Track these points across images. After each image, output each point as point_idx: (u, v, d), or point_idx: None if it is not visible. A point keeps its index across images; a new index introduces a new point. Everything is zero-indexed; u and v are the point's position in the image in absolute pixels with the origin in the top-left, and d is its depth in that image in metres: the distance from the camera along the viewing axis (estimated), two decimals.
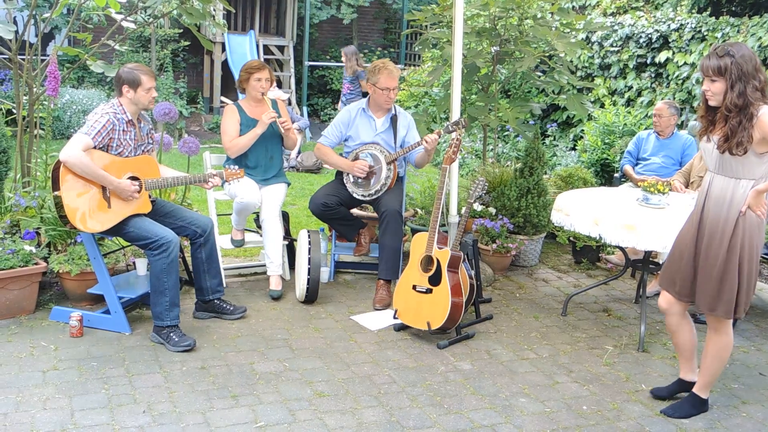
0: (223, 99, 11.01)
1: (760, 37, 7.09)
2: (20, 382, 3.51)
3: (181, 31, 11.79)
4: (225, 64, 12.57)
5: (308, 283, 4.58)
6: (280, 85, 12.60)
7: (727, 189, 3.23)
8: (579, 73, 9.36)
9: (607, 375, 3.92)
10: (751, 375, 4.00)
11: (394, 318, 4.34)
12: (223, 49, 12.52)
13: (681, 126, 7.30)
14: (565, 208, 4.42)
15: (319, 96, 14.06)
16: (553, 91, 8.68)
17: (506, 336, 4.39)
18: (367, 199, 4.92)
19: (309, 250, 4.60)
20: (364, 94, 10.52)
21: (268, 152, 4.96)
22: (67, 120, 10.35)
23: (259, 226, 5.00)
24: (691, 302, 3.42)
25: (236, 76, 9.76)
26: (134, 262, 4.69)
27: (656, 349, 4.26)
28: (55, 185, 3.87)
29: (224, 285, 4.63)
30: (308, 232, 4.75)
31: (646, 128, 7.39)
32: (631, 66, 8.70)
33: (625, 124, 8.03)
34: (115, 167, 3.97)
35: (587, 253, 5.84)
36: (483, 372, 3.88)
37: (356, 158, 4.94)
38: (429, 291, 4.20)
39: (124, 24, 5.18)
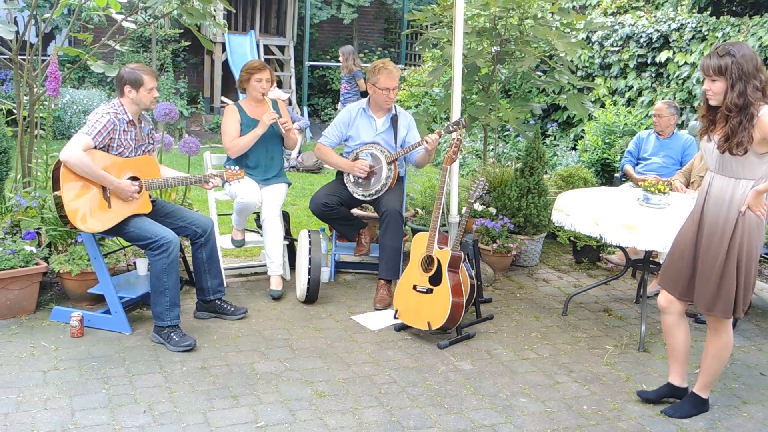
0: (224, 99, 11.00)
1: (761, 37, 7.09)
2: (21, 382, 3.52)
3: (182, 31, 11.79)
4: (225, 64, 12.58)
5: (309, 283, 4.59)
6: (280, 85, 12.60)
7: (727, 189, 3.23)
8: (579, 73, 9.36)
9: (608, 375, 3.92)
10: (751, 375, 4.00)
11: (395, 318, 4.34)
12: (224, 49, 12.53)
13: (681, 126, 7.30)
14: (566, 208, 4.42)
15: (319, 96, 14.07)
16: (553, 91, 8.68)
17: (507, 336, 4.39)
18: (368, 199, 4.92)
19: (309, 250, 4.60)
20: (363, 94, 10.56)
21: (269, 152, 4.96)
22: (68, 120, 10.35)
23: (260, 226, 5.00)
24: (691, 302, 3.42)
25: (237, 76, 9.78)
26: (135, 262, 4.70)
27: (657, 349, 4.26)
28: (56, 185, 3.87)
29: (225, 285, 4.63)
30: (309, 232, 4.75)
31: (646, 128, 7.39)
32: (631, 66, 8.69)
33: (626, 123, 8.03)
34: (115, 167, 3.97)
35: (588, 252, 5.84)
36: (483, 372, 3.88)
37: (356, 158, 4.94)
38: (429, 291, 4.20)
39: (125, 24, 5.19)
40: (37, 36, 5.28)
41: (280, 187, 4.97)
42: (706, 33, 7.84)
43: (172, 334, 3.96)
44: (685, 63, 7.92)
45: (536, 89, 9.47)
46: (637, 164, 5.99)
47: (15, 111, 4.98)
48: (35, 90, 4.89)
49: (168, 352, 3.90)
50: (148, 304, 4.18)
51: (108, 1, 4.65)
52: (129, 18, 5.23)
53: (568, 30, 6.26)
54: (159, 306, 3.97)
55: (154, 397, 3.44)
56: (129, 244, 4.45)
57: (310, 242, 4.63)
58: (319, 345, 4.12)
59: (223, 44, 12.49)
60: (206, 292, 4.36)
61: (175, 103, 11.42)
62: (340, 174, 5.07)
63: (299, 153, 9.59)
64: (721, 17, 8.08)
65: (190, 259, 4.58)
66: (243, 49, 12.61)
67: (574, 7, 10.17)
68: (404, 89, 11.38)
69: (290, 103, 12.39)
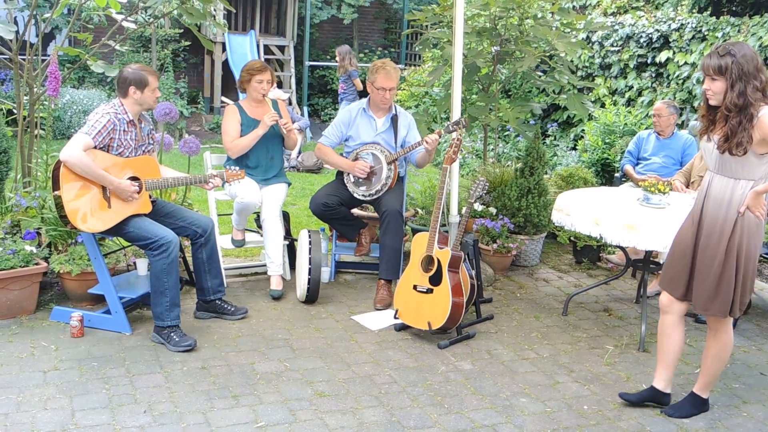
0: (224, 99, 11.01)
1: (761, 37, 7.09)
2: (21, 382, 3.52)
3: (182, 31, 11.79)
4: (225, 64, 12.58)
5: (309, 283, 4.59)
6: (280, 85, 12.60)
7: (726, 189, 3.23)
8: (579, 73, 9.36)
9: (608, 375, 3.92)
10: (751, 375, 4.00)
11: (395, 318, 4.34)
12: (224, 49, 12.53)
13: (681, 126, 7.30)
14: (566, 208, 4.42)
15: (319, 96, 14.07)
16: (553, 91, 8.68)
17: (507, 336, 4.39)
18: (368, 199, 4.92)
19: (310, 250, 4.60)
20: (362, 93, 10.58)
21: (269, 152, 4.96)
22: (68, 120, 10.36)
23: (260, 226, 5.00)
24: (691, 302, 3.41)
25: (237, 76, 9.77)
26: (135, 262, 4.70)
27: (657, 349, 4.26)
28: (56, 185, 3.87)
29: (225, 285, 4.63)
30: (309, 232, 4.75)
31: (646, 128, 7.39)
32: (631, 66, 8.69)
33: (626, 123, 8.03)
34: (115, 167, 3.97)
35: (588, 252, 5.84)
36: (484, 372, 3.88)
37: (357, 158, 4.94)
38: (430, 291, 4.20)
39: (125, 24, 5.18)
40: (37, 36, 5.28)
41: (280, 187, 4.97)
42: (706, 33, 7.84)
43: (172, 334, 3.96)
44: (685, 63, 7.92)
45: (536, 89, 9.47)
46: (637, 164, 5.98)
47: (15, 111, 4.98)
48: (35, 90, 4.89)
49: (168, 352, 3.90)
50: (149, 304, 4.18)
51: (108, 1, 4.65)
52: (129, 18, 5.23)
53: (568, 30, 6.26)
54: (159, 306, 3.97)
55: (155, 397, 3.44)
56: (129, 244, 4.45)
57: (310, 242, 4.63)
58: (319, 345, 4.12)
59: (224, 44, 12.49)
60: (206, 292, 4.36)
61: (175, 103, 11.42)
62: (340, 174, 5.07)
63: (299, 153, 9.60)
64: (721, 17, 8.08)
65: (190, 259, 4.57)
66: (243, 49, 12.61)
67: (574, 7, 10.17)
68: (404, 89, 11.38)
69: (290, 103, 12.39)
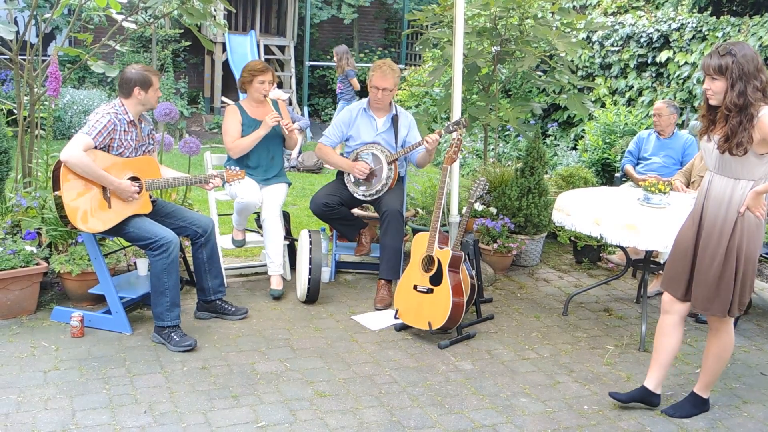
0: (224, 99, 11.00)
1: (761, 37, 7.08)
2: (21, 382, 3.52)
3: (182, 31, 11.79)
4: (226, 65, 12.58)
5: (309, 283, 4.59)
6: (281, 86, 12.61)
7: (726, 189, 3.23)
8: (580, 73, 9.36)
9: (609, 375, 3.92)
10: (752, 375, 3.99)
11: (395, 318, 4.34)
12: (224, 50, 12.53)
13: (682, 126, 7.30)
14: (566, 208, 4.42)
15: (319, 96, 14.07)
16: (553, 91, 8.68)
17: (507, 336, 4.39)
18: (368, 199, 4.92)
19: (310, 250, 4.60)
20: (361, 94, 10.61)
21: (270, 152, 4.96)
22: (68, 120, 10.36)
23: (260, 226, 5.00)
24: (691, 302, 3.41)
25: (237, 77, 9.77)
26: (135, 263, 4.70)
27: None
28: (56, 185, 3.87)
29: (225, 285, 4.63)
30: (309, 232, 4.75)
31: (647, 128, 7.39)
32: (631, 65, 8.69)
33: (626, 123, 8.03)
34: (115, 168, 3.97)
35: (588, 252, 5.84)
36: (484, 372, 3.88)
37: (357, 158, 4.94)
38: (430, 291, 4.20)
39: (125, 24, 5.19)
40: (37, 36, 5.28)
41: (281, 187, 4.97)
42: (706, 33, 7.84)
43: (172, 334, 3.96)
44: (686, 63, 7.92)
45: (536, 89, 9.47)
46: (638, 164, 5.98)
47: (15, 111, 4.98)
48: (35, 90, 4.89)
49: (168, 352, 3.90)
50: (149, 304, 4.18)
51: (108, 1, 4.65)
52: (129, 18, 5.23)
53: (569, 30, 6.26)
54: (159, 306, 3.97)
55: (155, 397, 3.44)
56: (129, 244, 4.45)
57: (310, 242, 4.63)
58: (319, 345, 4.12)
59: (224, 44, 12.49)
60: (207, 293, 4.36)
61: (175, 103, 11.42)
62: (340, 174, 5.07)
63: (299, 153, 9.61)
64: (722, 17, 8.08)
65: (190, 259, 4.57)
66: (243, 49, 12.61)
67: (574, 6, 10.17)
68: (404, 89, 11.39)
69: (290, 103, 12.40)
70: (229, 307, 4.43)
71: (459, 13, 4.90)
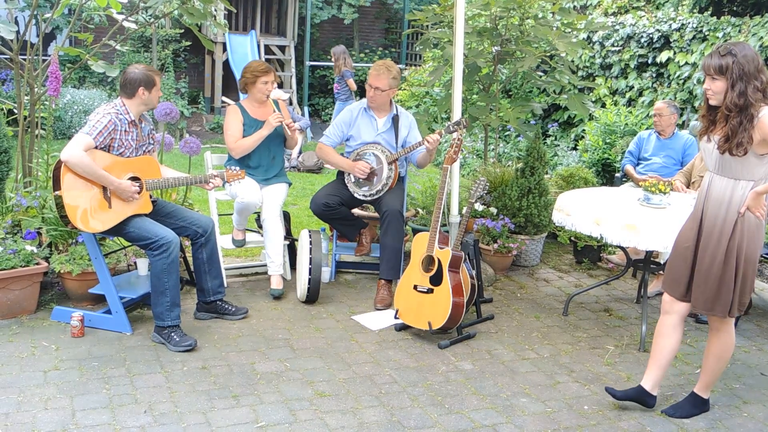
0: (225, 99, 11.01)
1: (762, 37, 7.08)
2: (21, 382, 3.52)
3: (183, 31, 11.80)
4: (226, 64, 12.58)
5: (309, 283, 4.59)
6: (281, 85, 12.61)
7: (726, 189, 3.23)
8: (580, 73, 9.36)
9: (609, 375, 3.92)
10: (752, 375, 3.99)
11: (395, 318, 4.34)
12: (225, 49, 12.53)
13: (682, 126, 7.30)
14: (566, 208, 4.42)
15: (320, 96, 14.07)
16: (554, 91, 8.68)
17: (507, 336, 4.39)
18: (369, 199, 4.92)
19: (310, 250, 4.60)
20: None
21: (271, 152, 4.97)
22: (69, 120, 10.36)
23: (260, 226, 5.00)
24: (691, 302, 3.41)
25: (237, 76, 9.76)
26: (135, 262, 4.70)
27: None
28: (56, 185, 3.87)
29: (225, 285, 4.63)
30: (309, 232, 4.75)
31: (647, 128, 7.39)
32: (632, 66, 8.69)
33: (627, 123, 8.02)
34: (116, 167, 3.97)
35: (588, 252, 5.84)
36: (484, 372, 3.88)
37: (357, 158, 4.94)
38: (430, 291, 4.20)
39: (126, 24, 5.19)
40: (37, 36, 5.28)
41: (281, 187, 4.97)
42: (706, 33, 7.84)
43: (172, 334, 3.96)
44: (686, 63, 7.92)
45: (537, 89, 9.47)
46: (638, 164, 5.98)
47: (16, 111, 4.98)
48: (36, 90, 4.89)
49: (169, 352, 3.90)
50: (149, 304, 4.18)
51: (109, 1, 4.65)
52: (130, 18, 5.23)
53: (569, 30, 6.25)
54: (159, 306, 3.97)
55: (155, 397, 3.44)
56: (129, 244, 4.45)
57: (310, 242, 4.63)
58: (319, 345, 4.12)
59: (224, 44, 12.49)
60: (207, 293, 4.36)
61: (175, 103, 11.42)
62: (341, 174, 5.07)
63: (300, 153, 9.61)
64: (722, 17, 8.08)
65: (190, 259, 4.58)
66: (244, 49, 12.61)
67: (574, 7, 10.17)
68: (405, 89, 11.39)
69: (291, 103, 12.40)
70: (229, 307, 4.43)
71: (459, 13, 4.90)
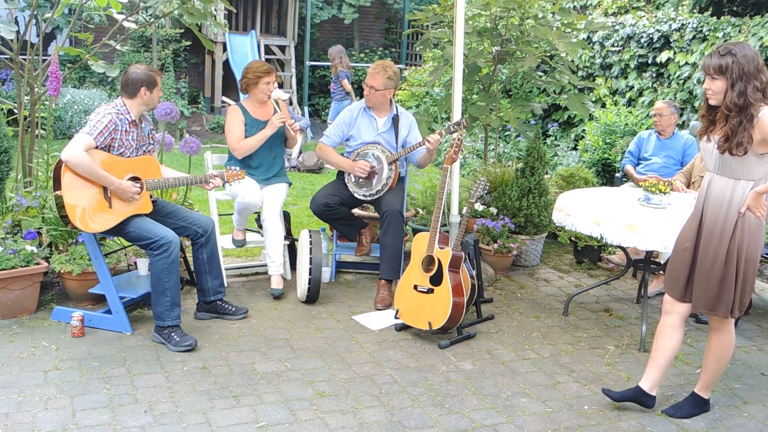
0: (225, 99, 11.01)
1: (762, 37, 7.08)
2: (22, 381, 3.52)
3: (183, 31, 11.79)
4: (226, 64, 12.58)
5: (309, 283, 4.59)
6: (281, 85, 12.61)
7: (726, 189, 3.23)
8: (580, 73, 9.36)
9: (609, 375, 3.92)
10: (752, 375, 3.99)
11: (396, 318, 4.34)
12: (225, 49, 12.53)
13: (682, 126, 7.30)
14: (567, 208, 4.42)
15: (320, 96, 14.07)
16: (554, 91, 8.68)
17: (507, 336, 4.39)
18: (369, 199, 4.92)
19: (310, 250, 4.60)
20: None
21: (272, 152, 4.97)
22: (69, 120, 10.36)
23: (260, 226, 5.00)
24: (690, 302, 3.41)
25: (238, 76, 9.76)
26: (135, 262, 4.70)
27: None
28: (57, 185, 3.87)
29: (226, 285, 4.63)
30: (309, 232, 4.75)
31: (647, 128, 7.39)
32: (632, 66, 8.69)
33: (627, 124, 8.02)
34: (116, 167, 3.97)
35: (588, 253, 5.84)
36: (484, 372, 3.88)
37: (358, 158, 4.94)
38: (430, 291, 4.20)
39: (126, 24, 5.19)
40: (38, 36, 5.28)
41: (281, 187, 4.98)
42: (706, 33, 7.84)
43: (172, 334, 3.96)
44: (686, 63, 7.92)
45: (537, 89, 9.47)
46: (638, 164, 5.98)
47: (16, 111, 4.98)
48: (36, 90, 4.89)
49: (169, 352, 3.90)
50: (149, 304, 4.18)
51: (109, 1, 4.65)
52: (130, 18, 5.23)
53: (569, 30, 6.25)
54: (160, 306, 3.97)
55: (155, 397, 3.44)
56: (130, 243, 4.45)
57: (311, 242, 4.63)
58: (319, 345, 4.12)
59: (224, 44, 12.49)
60: (207, 293, 4.36)
61: (175, 102, 11.42)
62: (341, 174, 5.07)
63: (300, 153, 9.62)
64: (722, 17, 8.08)
65: (190, 259, 4.58)
66: (244, 49, 12.61)
67: (574, 7, 10.17)
68: (405, 89, 11.39)
69: (291, 103, 12.41)
70: (230, 307, 4.43)
71: (459, 13, 4.90)
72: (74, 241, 4.52)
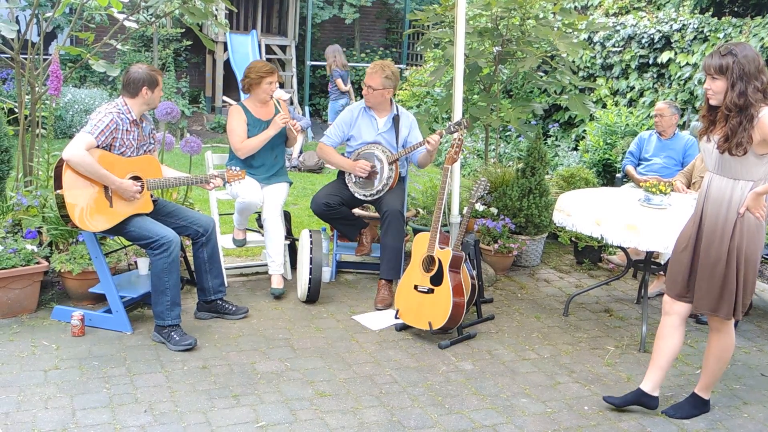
0: (226, 99, 11.03)
1: (762, 38, 7.08)
2: (22, 381, 3.52)
3: (184, 30, 11.80)
4: (227, 64, 12.59)
5: (310, 283, 4.59)
6: (282, 85, 12.61)
7: (726, 190, 3.22)
8: (581, 74, 9.36)
9: (609, 375, 3.92)
10: (752, 376, 3.99)
11: (396, 318, 4.34)
12: (225, 49, 12.54)
13: (683, 127, 7.30)
14: (567, 209, 4.42)
15: (320, 96, 14.07)
16: (555, 91, 8.67)
17: (508, 336, 4.39)
18: (369, 198, 4.92)
19: (311, 249, 4.60)
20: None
21: (274, 152, 4.98)
22: (69, 119, 10.36)
23: (261, 226, 5.00)
24: (690, 302, 3.40)
25: (238, 76, 9.76)
26: (136, 262, 4.70)
27: None
28: (57, 184, 3.87)
29: (226, 285, 4.63)
30: (310, 231, 4.75)
31: (648, 129, 7.39)
32: (633, 66, 8.69)
33: (627, 124, 8.02)
34: (117, 167, 3.97)
35: (589, 253, 5.84)
36: (484, 372, 3.88)
37: (358, 158, 4.94)
38: (431, 291, 4.20)
39: (127, 23, 5.18)
40: (38, 35, 5.28)
41: (282, 187, 4.98)
42: (707, 34, 7.83)
43: (173, 334, 3.96)
44: (687, 64, 7.91)
45: (538, 89, 9.47)
46: (639, 165, 5.98)
47: (17, 110, 4.98)
48: (37, 89, 4.89)
49: (169, 352, 3.90)
50: (149, 304, 4.18)
51: (110, 0, 4.65)
52: (131, 17, 5.23)
53: (570, 30, 6.25)
54: (160, 305, 3.97)
55: (155, 396, 3.44)
56: (130, 243, 4.45)
57: (311, 242, 4.63)
58: (320, 345, 4.12)
59: (225, 44, 12.50)
60: (207, 293, 4.36)
61: (176, 102, 11.43)
62: (341, 174, 5.07)
63: (300, 153, 9.62)
64: (723, 18, 8.08)
65: (191, 259, 4.58)
66: (245, 48, 12.62)
67: (575, 7, 10.17)
68: (406, 89, 11.39)
69: (291, 103, 12.40)
70: (230, 307, 4.43)
71: (460, 13, 4.90)
72: (74, 240, 4.52)
